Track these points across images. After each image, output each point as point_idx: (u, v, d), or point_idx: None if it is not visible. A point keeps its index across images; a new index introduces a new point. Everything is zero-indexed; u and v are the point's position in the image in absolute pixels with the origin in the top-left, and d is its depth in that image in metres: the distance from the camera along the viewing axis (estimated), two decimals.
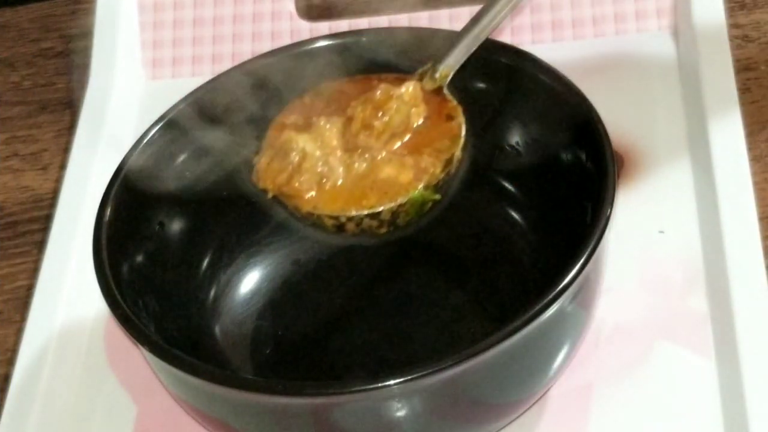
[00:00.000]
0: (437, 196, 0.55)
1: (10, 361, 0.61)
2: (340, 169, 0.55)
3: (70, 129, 0.72)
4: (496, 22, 0.57)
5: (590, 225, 0.50)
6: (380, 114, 0.55)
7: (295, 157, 0.54)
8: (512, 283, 0.59)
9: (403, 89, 0.56)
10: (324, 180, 0.55)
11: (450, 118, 0.56)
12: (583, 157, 0.54)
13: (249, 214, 0.61)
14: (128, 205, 0.56)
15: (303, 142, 0.55)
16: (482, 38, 0.57)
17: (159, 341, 0.50)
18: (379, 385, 0.46)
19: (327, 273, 0.63)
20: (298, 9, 0.75)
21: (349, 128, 0.56)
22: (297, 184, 0.55)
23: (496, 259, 0.61)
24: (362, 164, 0.55)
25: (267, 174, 0.55)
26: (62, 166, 0.69)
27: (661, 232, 0.61)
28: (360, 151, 0.55)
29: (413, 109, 0.56)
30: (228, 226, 0.61)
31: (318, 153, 0.55)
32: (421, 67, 0.57)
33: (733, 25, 0.71)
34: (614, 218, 0.50)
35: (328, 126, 0.56)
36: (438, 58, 0.57)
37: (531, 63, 0.57)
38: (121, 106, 0.72)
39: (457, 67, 0.57)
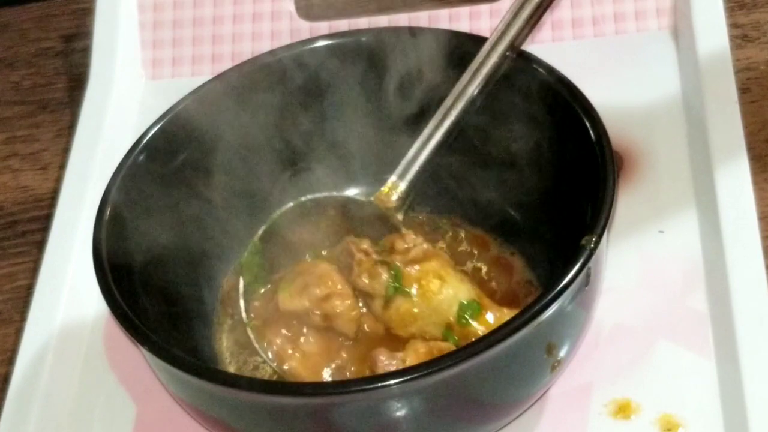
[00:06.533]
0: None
1: (10, 361, 0.61)
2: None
3: (70, 129, 0.72)
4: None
5: (590, 225, 0.50)
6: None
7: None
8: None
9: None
10: None
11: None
12: (583, 157, 0.54)
13: (249, 214, 0.61)
14: (128, 205, 0.55)
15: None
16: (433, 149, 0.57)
17: (159, 341, 0.50)
18: (379, 385, 0.46)
19: None
20: (298, 9, 0.75)
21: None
22: None
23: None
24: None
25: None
26: (62, 166, 0.69)
27: (661, 232, 0.61)
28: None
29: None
30: (228, 226, 0.61)
31: None
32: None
33: (733, 25, 0.71)
34: (614, 218, 0.50)
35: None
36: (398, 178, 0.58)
37: (531, 63, 0.57)
38: (121, 106, 0.72)
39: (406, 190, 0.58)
